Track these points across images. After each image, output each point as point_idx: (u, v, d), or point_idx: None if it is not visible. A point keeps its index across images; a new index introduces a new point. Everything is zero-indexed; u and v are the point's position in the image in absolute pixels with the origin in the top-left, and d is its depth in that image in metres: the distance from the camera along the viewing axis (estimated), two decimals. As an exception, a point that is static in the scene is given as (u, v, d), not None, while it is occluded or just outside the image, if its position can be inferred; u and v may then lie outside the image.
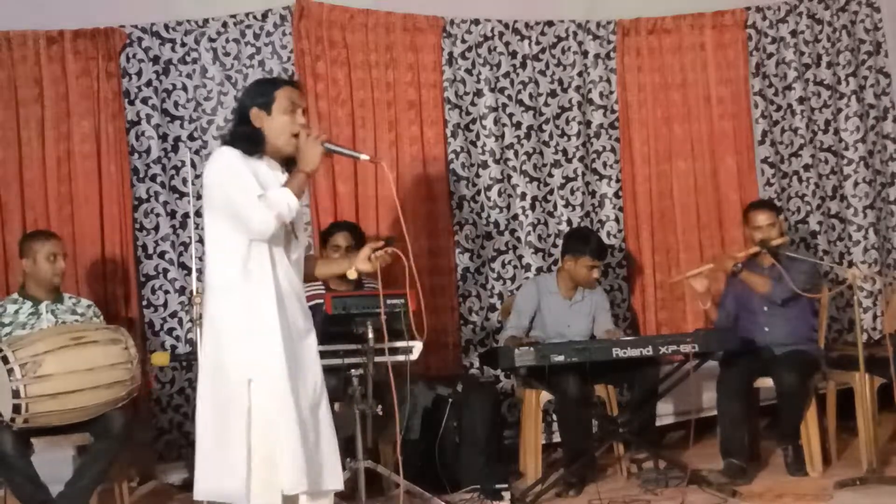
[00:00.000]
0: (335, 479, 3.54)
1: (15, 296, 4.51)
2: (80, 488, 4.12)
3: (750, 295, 5.14)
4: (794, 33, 6.20)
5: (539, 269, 5.70)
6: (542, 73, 5.88)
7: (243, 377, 3.38)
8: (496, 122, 5.74)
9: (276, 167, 3.44)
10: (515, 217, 5.76)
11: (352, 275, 3.58)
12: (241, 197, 3.30)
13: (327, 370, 3.73)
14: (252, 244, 3.39)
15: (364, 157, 3.49)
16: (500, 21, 5.80)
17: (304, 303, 3.53)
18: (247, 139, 3.39)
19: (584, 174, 5.88)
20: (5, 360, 3.96)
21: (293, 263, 3.49)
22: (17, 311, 4.43)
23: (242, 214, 3.31)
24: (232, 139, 3.42)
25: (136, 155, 5.19)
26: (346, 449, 4.22)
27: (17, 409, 3.95)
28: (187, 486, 4.90)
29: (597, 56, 5.94)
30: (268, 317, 3.40)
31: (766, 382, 4.98)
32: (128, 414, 4.28)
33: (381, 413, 4.26)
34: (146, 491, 4.99)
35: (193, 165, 5.13)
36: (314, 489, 3.48)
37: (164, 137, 5.23)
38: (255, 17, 5.38)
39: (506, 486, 4.65)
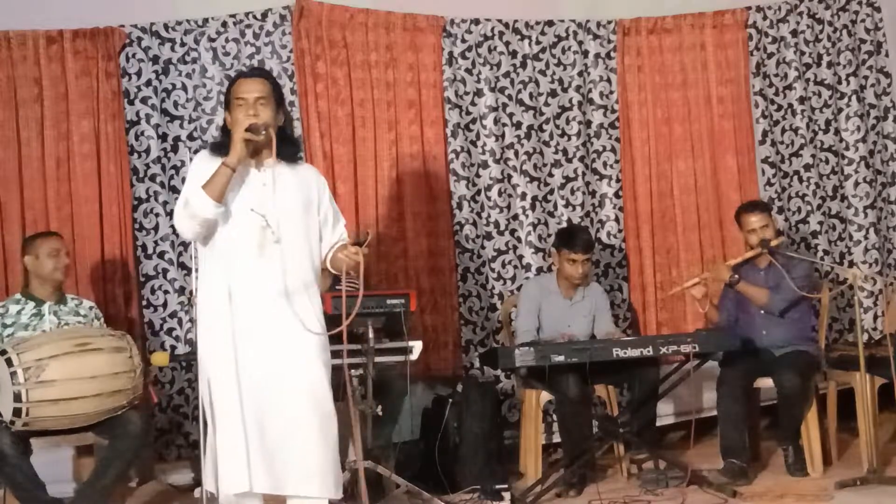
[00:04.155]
0: (310, 485, 3.50)
1: (17, 296, 4.48)
2: (100, 489, 4.12)
3: (747, 300, 5.13)
4: (794, 33, 6.20)
5: (539, 269, 5.69)
6: (543, 72, 5.87)
7: (204, 375, 3.47)
8: (496, 121, 5.74)
9: (248, 163, 3.58)
10: (515, 217, 5.76)
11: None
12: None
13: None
14: (210, 246, 3.56)
15: (263, 132, 3.50)
16: (500, 21, 5.80)
17: (290, 303, 3.54)
18: (216, 144, 3.63)
19: (584, 174, 5.87)
20: (9, 363, 3.95)
21: (270, 264, 3.51)
22: (19, 312, 4.41)
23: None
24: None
25: (136, 155, 5.18)
26: (346, 449, 4.23)
27: (17, 412, 3.94)
28: (191, 487, 4.93)
29: (597, 56, 5.93)
30: (218, 316, 3.50)
31: (766, 383, 4.98)
32: (146, 414, 4.27)
33: (380, 413, 4.26)
34: (146, 491, 4.99)
35: (193, 165, 5.13)
36: (269, 491, 3.48)
37: (163, 137, 5.22)
38: (254, 17, 5.38)
39: (506, 486, 4.65)
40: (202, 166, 3.55)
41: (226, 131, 3.62)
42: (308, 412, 3.53)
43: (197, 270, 4.39)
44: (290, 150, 3.69)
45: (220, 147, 3.58)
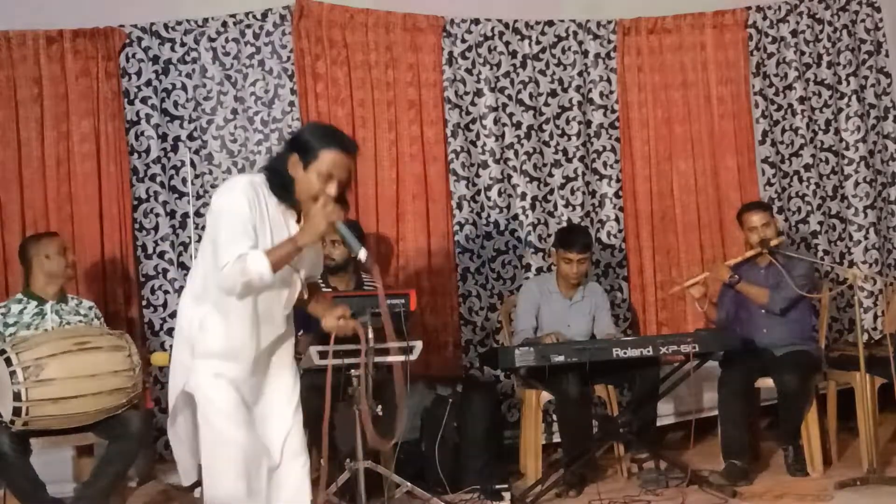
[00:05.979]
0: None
1: (19, 296, 4.48)
2: (99, 489, 4.13)
3: (747, 298, 5.14)
4: (794, 33, 6.20)
5: (539, 269, 5.69)
6: (543, 72, 5.87)
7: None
8: (496, 121, 5.74)
9: (291, 214, 3.26)
10: (515, 217, 5.76)
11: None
12: (225, 242, 3.12)
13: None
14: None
15: (361, 255, 3.21)
16: (500, 21, 5.80)
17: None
18: (277, 183, 3.22)
19: (584, 174, 5.87)
20: (8, 362, 3.96)
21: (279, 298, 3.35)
22: (21, 312, 4.41)
23: (217, 261, 3.13)
24: (267, 172, 3.26)
25: (136, 155, 5.19)
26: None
27: (17, 411, 3.95)
28: (191, 487, 4.92)
29: (597, 56, 5.93)
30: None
31: (766, 383, 4.98)
32: (145, 414, 4.28)
33: (380, 413, 4.25)
34: (146, 491, 4.99)
35: (193, 165, 5.14)
36: None
37: (163, 137, 5.22)
38: (254, 17, 5.38)
39: (506, 486, 4.65)
40: (244, 207, 3.14)
41: (287, 175, 3.21)
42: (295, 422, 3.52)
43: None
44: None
45: (280, 187, 3.21)
